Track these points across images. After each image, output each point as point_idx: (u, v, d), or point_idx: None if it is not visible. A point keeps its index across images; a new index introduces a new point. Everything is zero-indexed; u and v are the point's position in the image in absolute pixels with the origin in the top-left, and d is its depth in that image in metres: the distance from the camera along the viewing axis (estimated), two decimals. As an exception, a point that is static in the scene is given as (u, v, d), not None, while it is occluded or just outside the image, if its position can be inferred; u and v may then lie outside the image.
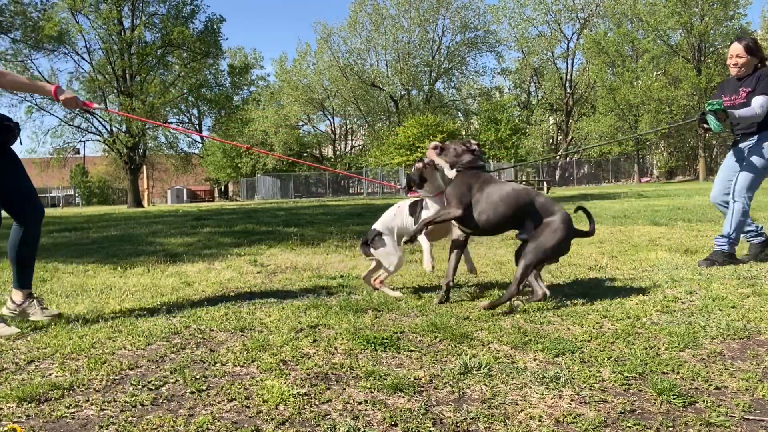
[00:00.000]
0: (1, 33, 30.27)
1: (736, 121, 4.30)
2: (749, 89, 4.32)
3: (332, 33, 47.73)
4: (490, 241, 6.42)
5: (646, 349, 2.46)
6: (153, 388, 2.17)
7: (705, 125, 4.23)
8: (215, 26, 34.55)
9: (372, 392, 2.08)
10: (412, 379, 2.18)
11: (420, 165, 3.61)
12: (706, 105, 4.21)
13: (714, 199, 4.63)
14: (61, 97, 3.14)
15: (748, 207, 4.40)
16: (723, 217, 4.57)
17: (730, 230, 4.38)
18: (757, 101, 4.22)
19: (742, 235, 4.56)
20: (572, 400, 1.97)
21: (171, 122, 39.01)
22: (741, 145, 4.48)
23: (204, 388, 2.15)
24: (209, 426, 1.84)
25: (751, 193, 4.38)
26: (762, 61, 4.42)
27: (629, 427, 1.77)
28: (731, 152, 4.58)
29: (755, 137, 4.37)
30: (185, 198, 53.85)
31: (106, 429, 1.84)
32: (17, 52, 30.99)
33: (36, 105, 32.69)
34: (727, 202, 4.49)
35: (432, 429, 1.79)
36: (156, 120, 33.08)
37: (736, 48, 4.42)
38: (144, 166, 36.18)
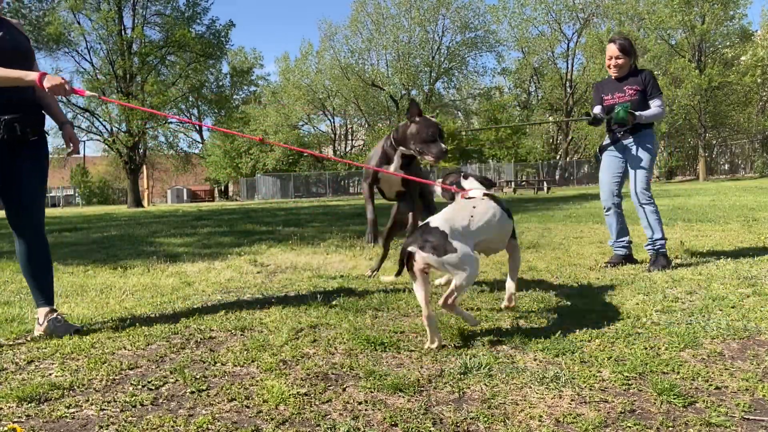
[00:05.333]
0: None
1: (642, 122, 4.41)
2: (636, 87, 4.47)
3: (336, 31, 47.79)
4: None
5: (646, 349, 2.46)
6: (153, 388, 2.17)
7: (593, 120, 4.54)
8: (226, 32, 34.38)
9: (372, 392, 2.08)
10: (412, 379, 2.18)
11: None
12: (618, 106, 4.39)
13: (606, 203, 4.71)
14: (47, 85, 2.69)
15: (654, 203, 4.50)
16: (622, 219, 4.69)
17: (660, 233, 4.44)
18: (659, 102, 4.44)
19: (609, 242, 4.75)
20: (572, 400, 1.97)
21: (171, 122, 38.96)
22: (625, 142, 4.54)
23: (204, 388, 2.15)
24: (209, 426, 1.84)
25: (649, 188, 4.49)
26: (635, 61, 4.60)
27: (629, 427, 1.77)
28: (607, 154, 4.66)
29: (631, 137, 4.50)
30: (185, 198, 53.84)
31: (106, 429, 1.84)
32: None
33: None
34: (618, 204, 4.63)
35: (432, 429, 1.79)
36: (157, 118, 33.07)
37: (614, 50, 4.54)
38: (144, 166, 36.14)
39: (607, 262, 4.65)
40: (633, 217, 4.71)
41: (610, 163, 4.65)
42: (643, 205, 4.48)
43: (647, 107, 4.46)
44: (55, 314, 2.99)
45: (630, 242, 4.72)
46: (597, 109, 4.71)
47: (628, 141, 4.52)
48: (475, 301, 3.41)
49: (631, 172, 4.51)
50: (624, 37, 4.62)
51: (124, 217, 14.94)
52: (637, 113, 4.36)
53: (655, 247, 4.45)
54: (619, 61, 4.51)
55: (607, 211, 4.73)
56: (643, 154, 4.45)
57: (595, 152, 4.78)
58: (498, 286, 3.86)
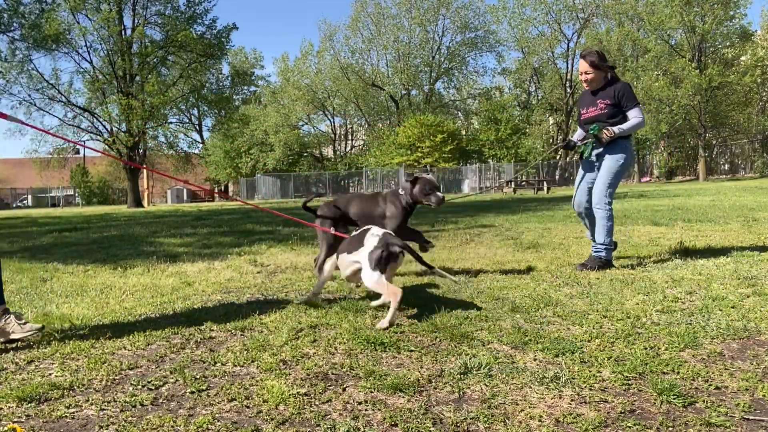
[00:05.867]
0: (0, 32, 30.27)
1: (623, 134, 4.46)
2: (607, 102, 4.52)
3: (336, 31, 47.87)
4: (490, 241, 6.42)
5: (646, 349, 2.46)
6: (153, 388, 2.17)
7: (573, 149, 4.74)
8: (227, 33, 34.33)
9: (372, 392, 2.08)
10: (412, 379, 2.18)
11: None
12: (590, 130, 4.55)
13: (577, 208, 4.80)
14: None
15: (611, 211, 4.55)
16: (599, 223, 4.69)
17: (604, 238, 4.49)
18: (636, 112, 4.47)
19: (586, 234, 4.85)
20: (572, 400, 1.97)
21: (171, 122, 38.92)
22: (597, 152, 4.63)
23: (204, 388, 2.15)
24: (209, 426, 1.84)
25: (611, 198, 4.55)
26: (611, 71, 4.61)
27: (629, 427, 1.77)
28: (584, 162, 4.76)
29: (602, 147, 4.57)
30: (185, 198, 53.84)
31: (106, 429, 1.84)
32: (12, 51, 30.96)
33: (35, 105, 32.71)
34: (589, 209, 4.67)
35: (432, 429, 1.79)
36: (157, 118, 33.11)
37: (583, 65, 4.62)
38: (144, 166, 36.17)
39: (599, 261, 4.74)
40: (618, 217, 4.75)
41: (584, 170, 4.75)
42: (597, 209, 4.53)
43: (623, 119, 4.51)
44: (10, 315, 2.74)
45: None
46: (576, 136, 4.86)
47: (602, 150, 4.60)
48: (475, 301, 3.41)
49: (598, 177, 4.58)
50: (595, 51, 4.65)
51: (124, 217, 14.94)
52: (616, 128, 4.41)
53: (596, 250, 4.54)
54: (589, 76, 4.57)
55: (578, 216, 4.86)
56: (612, 163, 4.51)
57: (580, 153, 4.92)
58: (496, 285, 3.86)
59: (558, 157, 44.48)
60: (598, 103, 4.56)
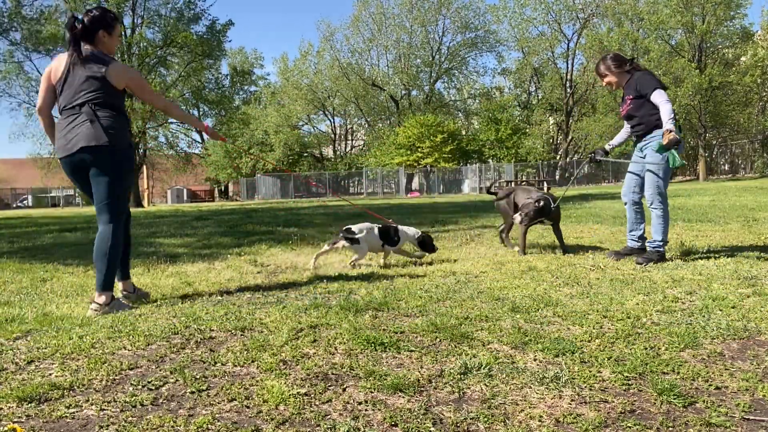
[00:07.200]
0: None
1: (671, 127, 4.31)
2: (631, 96, 4.62)
3: (335, 31, 47.96)
4: (490, 241, 6.42)
5: (646, 349, 2.46)
6: (153, 388, 2.17)
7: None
8: (224, 30, 34.25)
9: (372, 392, 2.08)
10: (412, 379, 2.17)
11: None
12: (655, 150, 4.52)
13: (623, 197, 4.93)
14: (210, 132, 4.09)
15: (666, 211, 4.60)
16: (644, 216, 4.88)
17: (662, 236, 4.59)
18: (659, 98, 4.37)
19: (628, 234, 4.98)
20: (572, 400, 1.97)
21: (171, 122, 38.93)
22: (639, 145, 4.71)
23: (204, 388, 2.15)
24: (209, 426, 1.84)
25: (663, 196, 4.58)
26: (629, 64, 4.69)
27: (629, 427, 1.77)
28: (634, 154, 4.82)
29: (647, 137, 4.60)
30: (185, 198, 53.84)
31: (106, 429, 1.84)
32: (10, 54, 30.98)
33: (35, 106, 32.73)
34: (636, 202, 4.81)
35: (432, 429, 1.79)
36: (157, 118, 33.12)
37: (597, 74, 4.89)
38: (144, 166, 36.16)
39: (617, 251, 4.92)
40: (619, 216, 4.84)
41: (634, 161, 4.82)
42: (653, 210, 4.63)
43: (644, 106, 4.54)
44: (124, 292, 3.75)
45: (641, 237, 4.88)
46: (617, 139, 5.05)
47: (644, 143, 4.65)
48: (475, 301, 3.41)
49: (646, 178, 4.64)
50: (601, 58, 4.80)
51: (124, 218, 14.92)
52: (667, 126, 4.23)
53: (653, 246, 4.63)
54: (605, 81, 4.78)
55: (624, 205, 4.96)
56: (654, 158, 4.53)
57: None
58: (496, 285, 3.86)
59: (558, 157, 44.47)
60: (627, 100, 4.68)
